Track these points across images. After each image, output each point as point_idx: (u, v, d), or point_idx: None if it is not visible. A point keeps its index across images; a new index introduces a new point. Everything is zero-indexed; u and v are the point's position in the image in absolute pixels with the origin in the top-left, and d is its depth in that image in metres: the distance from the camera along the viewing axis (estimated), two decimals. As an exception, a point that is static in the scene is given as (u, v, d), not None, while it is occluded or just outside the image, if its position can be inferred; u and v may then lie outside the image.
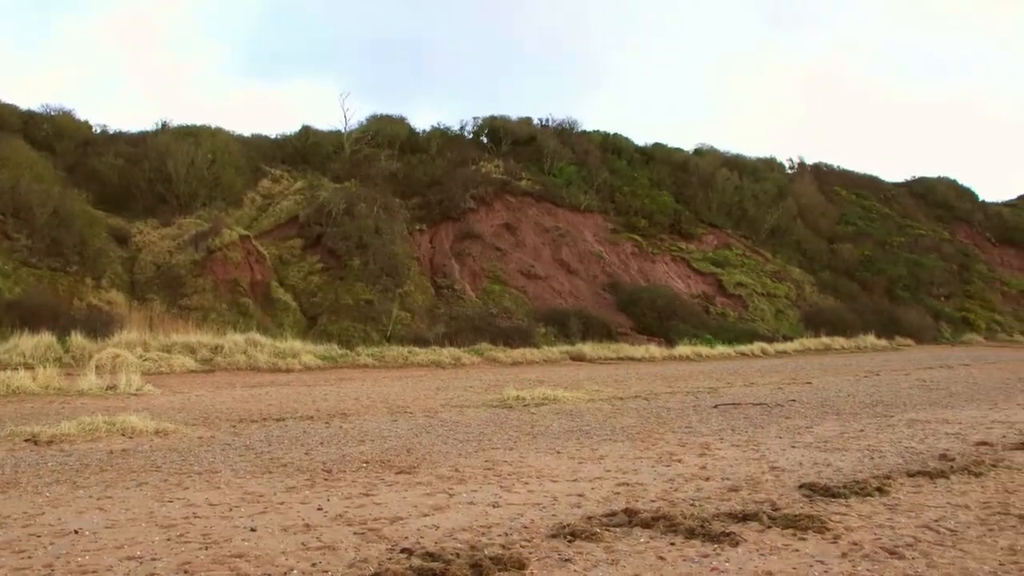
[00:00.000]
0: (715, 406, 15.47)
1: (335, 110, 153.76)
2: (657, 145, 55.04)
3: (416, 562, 5.60)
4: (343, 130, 45.89)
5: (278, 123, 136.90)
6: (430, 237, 38.94)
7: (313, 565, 5.57)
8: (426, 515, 6.97)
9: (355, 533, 6.38)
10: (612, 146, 52.70)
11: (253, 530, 6.43)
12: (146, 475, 8.62)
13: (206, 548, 5.94)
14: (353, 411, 14.54)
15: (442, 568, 5.42)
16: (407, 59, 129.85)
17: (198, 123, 42.05)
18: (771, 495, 7.77)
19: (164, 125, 41.54)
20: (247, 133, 45.04)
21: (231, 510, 7.09)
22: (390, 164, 43.34)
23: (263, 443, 10.81)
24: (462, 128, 50.95)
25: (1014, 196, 76.13)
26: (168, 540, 6.13)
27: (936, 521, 6.85)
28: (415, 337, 29.27)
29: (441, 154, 45.86)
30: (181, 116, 73.92)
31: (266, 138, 45.83)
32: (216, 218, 33.04)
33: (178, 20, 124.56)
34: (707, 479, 8.54)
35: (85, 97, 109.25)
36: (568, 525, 6.54)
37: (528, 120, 51.85)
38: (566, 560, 5.71)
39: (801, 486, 8.13)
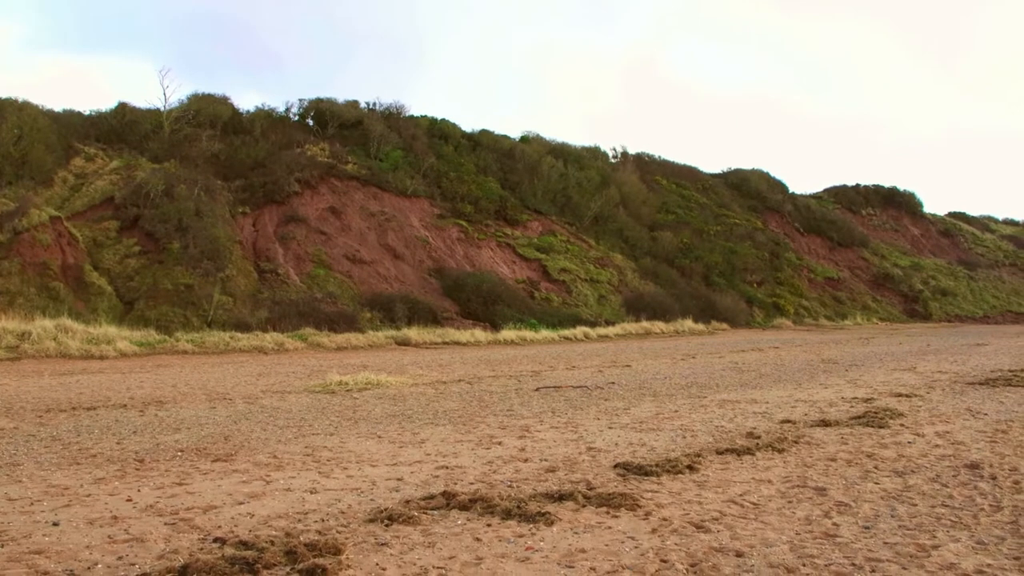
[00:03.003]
0: (537, 389, 15.72)
1: (154, 87, 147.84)
2: (484, 132, 55.49)
3: (229, 551, 5.49)
4: (162, 108, 44.02)
5: (92, 99, 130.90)
6: (253, 220, 38.07)
7: (119, 558, 5.39)
8: (241, 503, 6.84)
9: (166, 524, 6.19)
10: (439, 132, 52.76)
11: (56, 524, 6.15)
12: (-61, 469, 8.14)
13: (2, 545, 5.64)
14: (170, 399, 14.10)
15: (255, 556, 5.33)
16: (231, 37, 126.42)
17: (2, 96, 39.54)
18: (587, 475, 7.96)
19: (-36, 97, 38.91)
20: (58, 108, 42.63)
21: (32, 504, 6.76)
22: (212, 145, 42.00)
23: (71, 433, 10.35)
24: (287, 110, 50.17)
25: (820, 189, 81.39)
26: (-39, 537, 5.81)
27: (741, 496, 7.17)
28: (237, 322, 28.59)
29: (265, 136, 44.82)
30: (-17, 89, 69.36)
31: (79, 114, 43.41)
32: (24, 197, 31.26)
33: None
34: (526, 461, 8.68)
35: None
36: (386, 509, 6.54)
37: (355, 103, 51.39)
38: (383, 544, 5.71)
39: (616, 465, 8.36)
